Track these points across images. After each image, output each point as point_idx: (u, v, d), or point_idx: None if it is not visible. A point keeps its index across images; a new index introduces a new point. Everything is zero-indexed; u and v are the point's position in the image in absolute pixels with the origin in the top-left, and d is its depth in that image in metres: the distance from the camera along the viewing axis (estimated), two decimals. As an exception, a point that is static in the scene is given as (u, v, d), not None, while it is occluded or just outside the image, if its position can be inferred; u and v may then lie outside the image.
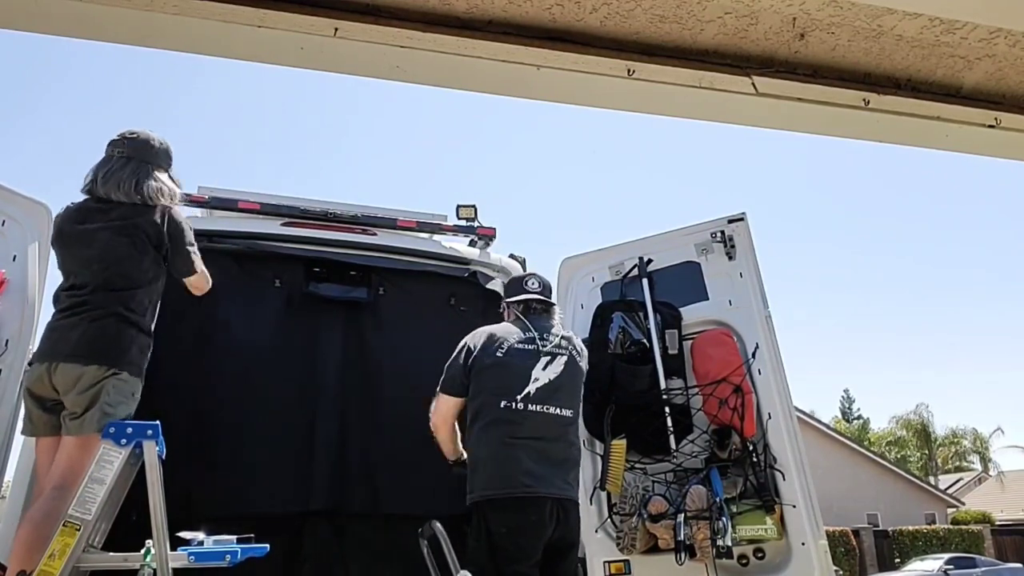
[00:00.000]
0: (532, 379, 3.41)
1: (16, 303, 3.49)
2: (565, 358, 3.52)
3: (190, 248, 3.27)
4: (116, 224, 3.12)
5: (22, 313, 3.49)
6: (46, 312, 3.55)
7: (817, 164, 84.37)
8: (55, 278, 3.46)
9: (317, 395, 4.01)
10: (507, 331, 3.56)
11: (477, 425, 3.40)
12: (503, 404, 3.36)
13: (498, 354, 3.45)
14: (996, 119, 2.77)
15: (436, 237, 4.48)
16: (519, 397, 3.36)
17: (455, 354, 3.55)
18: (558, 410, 3.42)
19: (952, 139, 2.88)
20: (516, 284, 3.79)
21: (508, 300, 3.77)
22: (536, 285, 3.72)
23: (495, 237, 4.54)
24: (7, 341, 3.42)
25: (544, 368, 3.45)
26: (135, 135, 3.28)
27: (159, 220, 3.18)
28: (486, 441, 3.36)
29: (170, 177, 3.32)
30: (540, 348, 3.49)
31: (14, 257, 3.56)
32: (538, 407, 3.37)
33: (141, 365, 3.09)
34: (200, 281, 3.37)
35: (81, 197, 3.23)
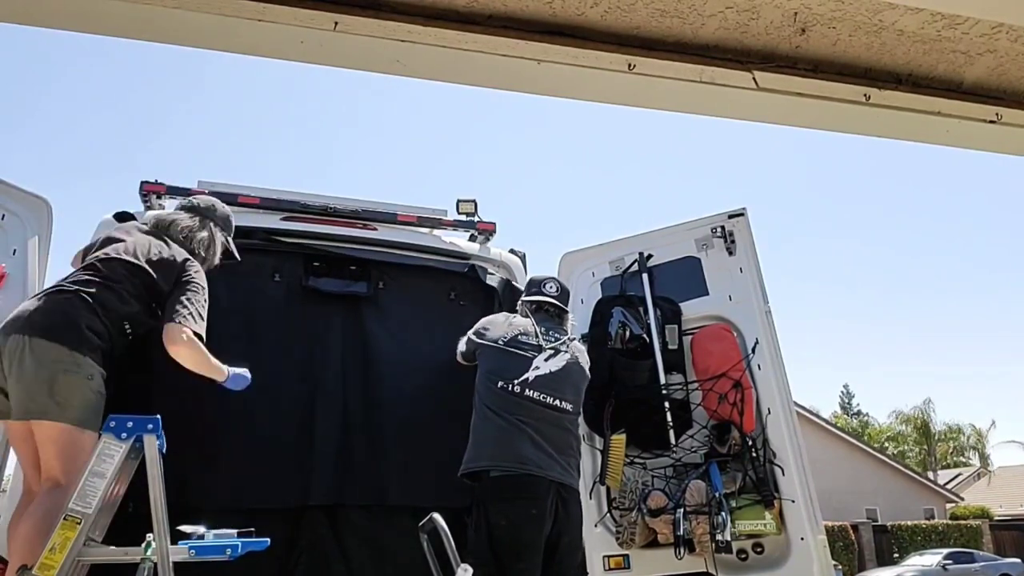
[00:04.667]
0: (532, 367, 3.50)
1: (16, 297, 3.48)
2: (568, 356, 3.60)
3: (185, 300, 3.16)
4: (165, 261, 3.25)
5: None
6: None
7: (816, 159, 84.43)
8: (55, 271, 3.47)
9: (317, 389, 4.00)
10: (517, 322, 3.68)
11: (478, 405, 3.51)
12: (500, 385, 3.46)
13: (502, 340, 3.58)
14: (997, 114, 2.76)
15: (436, 232, 4.47)
16: (517, 382, 3.45)
17: (471, 330, 3.74)
18: (558, 401, 3.47)
19: (953, 134, 2.88)
20: (535, 285, 3.87)
21: (524, 299, 3.84)
22: (554, 290, 3.81)
23: (495, 232, 4.53)
24: (6, 335, 3.41)
25: (546, 360, 3.53)
26: (211, 203, 3.58)
27: (188, 268, 3.28)
28: (486, 418, 3.45)
29: (226, 241, 3.58)
30: (543, 344, 3.56)
31: (14, 251, 3.56)
32: (536, 394, 3.44)
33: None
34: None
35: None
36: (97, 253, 3.19)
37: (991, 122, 2.76)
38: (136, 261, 3.15)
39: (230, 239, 3.60)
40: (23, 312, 2.92)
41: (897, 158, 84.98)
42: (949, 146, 3.01)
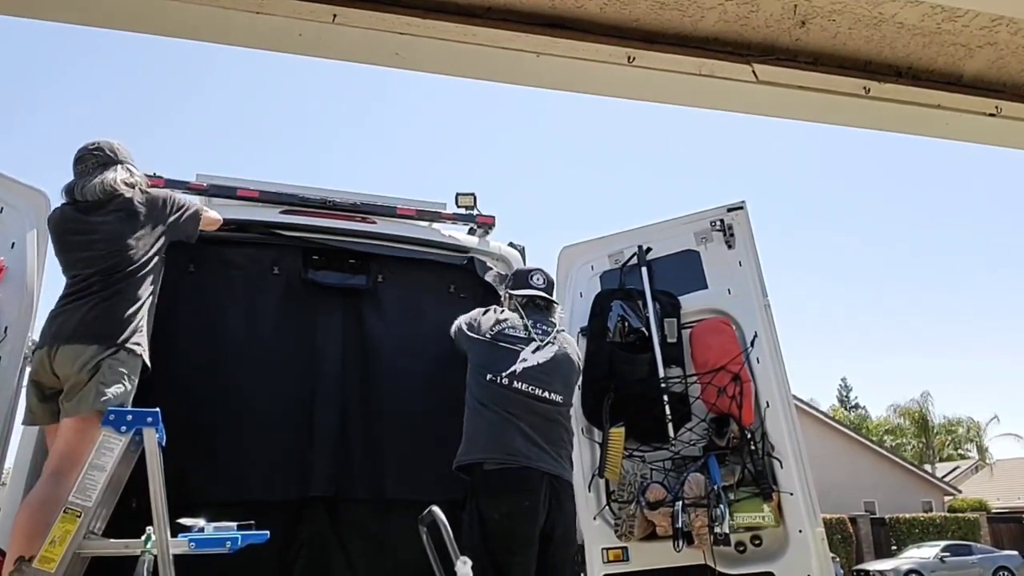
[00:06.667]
0: (520, 359, 3.53)
1: (15, 290, 3.48)
2: (556, 347, 3.63)
3: (185, 211, 3.49)
4: (114, 213, 3.24)
5: (21, 300, 3.49)
6: (45, 299, 3.57)
7: (817, 152, 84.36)
8: (54, 265, 3.47)
9: (316, 382, 4.00)
10: (504, 316, 3.70)
11: (469, 399, 3.55)
12: (488, 378, 3.49)
13: (489, 334, 3.61)
14: (997, 107, 2.76)
15: (435, 225, 4.47)
16: (505, 374, 3.48)
17: (463, 319, 3.78)
18: (547, 393, 3.49)
19: (952, 127, 2.88)
20: (521, 277, 3.88)
21: (511, 293, 3.84)
22: (540, 281, 3.82)
23: (494, 225, 4.53)
24: (6, 328, 3.42)
25: (533, 352, 3.56)
26: (96, 144, 3.42)
27: (145, 202, 3.34)
28: (477, 412, 3.48)
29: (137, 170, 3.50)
30: (532, 336, 3.61)
31: (12, 244, 3.56)
32: (525, 386, 3.47)
33: (140, 343, 3.12)
34: (211, 224, 3.63)
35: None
36: None
37: (990, 115, 2.77)
38: None
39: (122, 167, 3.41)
40: None
41: (898, 151, 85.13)
42: (949, 139, 3.02)
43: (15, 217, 3.60)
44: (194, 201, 3.62)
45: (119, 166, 3.38)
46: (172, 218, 3.41)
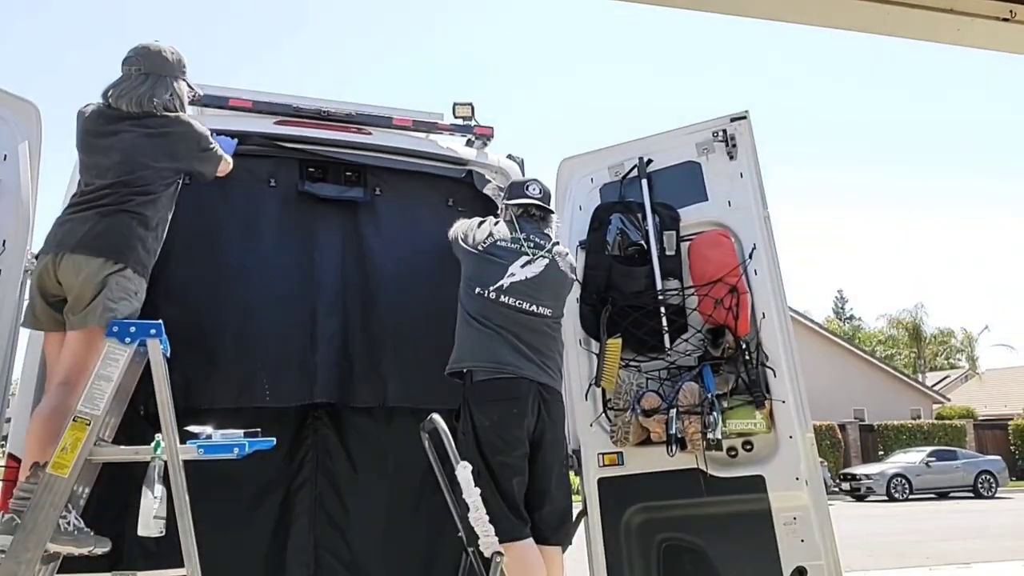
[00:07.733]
0: (508, 273, 3.56)
1: (10, 203, 3.46)
2: (547, 261, 3.64)
3: (208, 150, 3.38)
4: (140, 129, 3.17)
5: (16, 212, 3.47)
6: (40, 211, 3.56)
7: (816, 63, 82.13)
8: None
9: (317, 292, 4.03)
10: (496, 228, 3.71)
11: (460, 310, 3.62)
12: (477, 291, 3.55)
13: (480, 247, 3.64)
14: (1011, 12, 2.67)
15: (433, 137, 4.39)
16: (492, 288, 3.53)
17: (457, 228, 3.82)
18: (535, 306, 3.55)
19: (964, 33, 2.80)
20: (517, 188, 3.86)
21: (507, 202, 3.82)
22: (536, 191, 3.81)
23: (493, 136, 4.46)
24: (4, 241, 3.42)
25: (523, 266, 3.59)
26: (147, 49, 3.30)
27: (178, 130, 3.25)
28: (466, 323, 3.56)
29: (187, 84, 3.39)
30: (522, 248, 3.63)
31: (4, 156, 3.51)
32: (512, 300, 3.52)
33: (147, 265, 3.12)
34: (224, 172, 3.54)
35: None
36: None
37: (1004, 19, 2.68)
38: None
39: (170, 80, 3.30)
40: None
41: (893, 65, 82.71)
42: (959, 45, 2.93)
43: (6, 129, 3.54)
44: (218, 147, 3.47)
45: (164, 82, 3.26)
46: (196, 157, 3.34)
